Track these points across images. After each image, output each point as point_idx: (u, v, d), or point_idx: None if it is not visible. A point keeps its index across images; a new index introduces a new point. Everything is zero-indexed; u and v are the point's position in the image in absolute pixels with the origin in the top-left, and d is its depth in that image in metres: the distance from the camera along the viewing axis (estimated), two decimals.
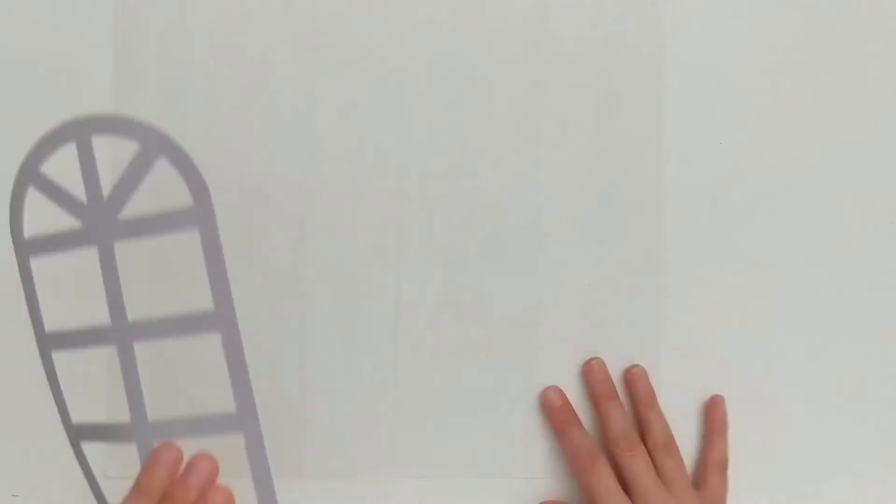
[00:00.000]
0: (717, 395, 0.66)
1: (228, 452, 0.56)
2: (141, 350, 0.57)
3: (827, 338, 0.67)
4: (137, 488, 0.55)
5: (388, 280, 0.65)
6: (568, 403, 0.64)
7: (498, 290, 0.67)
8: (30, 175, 0.54)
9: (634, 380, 0.65)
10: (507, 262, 0.67)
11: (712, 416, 0.65)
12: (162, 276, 0.64)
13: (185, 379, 0.65)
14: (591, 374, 0.64)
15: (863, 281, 0.67)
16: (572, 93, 0.68)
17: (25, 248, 0.56)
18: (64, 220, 0.56)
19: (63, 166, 0.56)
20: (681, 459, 0.64)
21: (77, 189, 0.55)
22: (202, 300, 0.55)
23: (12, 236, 0.56)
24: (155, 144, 0.52)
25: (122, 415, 0.57)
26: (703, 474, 0.65)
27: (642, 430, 0.64)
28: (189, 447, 0.57)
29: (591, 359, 0.65)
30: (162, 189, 0.53)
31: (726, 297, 0.67)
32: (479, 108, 0.67)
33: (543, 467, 0.67)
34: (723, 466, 0.65)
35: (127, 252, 0.55)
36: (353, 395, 0.65)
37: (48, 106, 0.64)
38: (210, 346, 0.56)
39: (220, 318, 0.53)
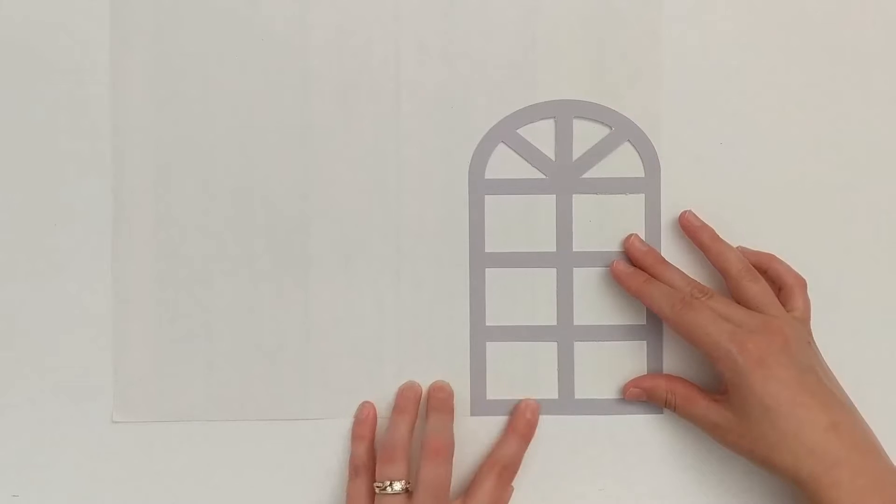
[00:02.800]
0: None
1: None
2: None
3: (826, 337, 0.64)
4: (397, 410, 0.65)
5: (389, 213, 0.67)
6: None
7: None
8: (504, 134, 0.67)
9: (690, 224, 0.66)
10: None
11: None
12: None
13: None
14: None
15: (863, 279, 0.66)
16: None
17: (483, 187, 0.67)
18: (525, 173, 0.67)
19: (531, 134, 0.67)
20: (765, 283, 0.63)
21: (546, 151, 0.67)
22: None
23: (469, 177, 0.67)
24: (624, 130, 0.66)
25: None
26: (787, 296, 0.64)
27: (718, 265, 0.64)
28: None
29: (630, 235, 0.66)
30: (615, 163, 0.67)
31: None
32: None
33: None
34: (803, 286, 0.64)
35: (581, 205, 0.67)
36: (356, 339, 0.67)
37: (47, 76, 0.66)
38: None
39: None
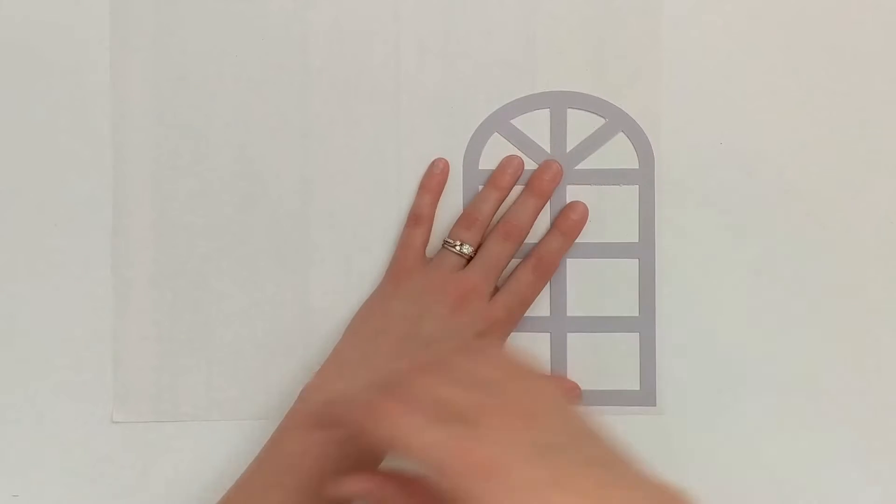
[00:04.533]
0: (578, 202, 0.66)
1: None
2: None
3: (826, 337, 0.65)
4: (492, 183, 0.65)
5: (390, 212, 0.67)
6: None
7: None
8: (498, 124, 0.67)
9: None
10: None
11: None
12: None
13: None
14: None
15: (863, 279, 0.66)
16: None
17: (477, 178, 0.67)
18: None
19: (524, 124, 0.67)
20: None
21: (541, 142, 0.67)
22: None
23: (464, 166, 0.67)
24: (618, 121, 0.67)
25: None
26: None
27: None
28: None
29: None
30: (609, 154, 0.67)
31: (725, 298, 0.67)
32: None
33: None
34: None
35: (576, 196, 0.67)
36: None
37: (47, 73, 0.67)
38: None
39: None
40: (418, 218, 0.64)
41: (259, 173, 0.66)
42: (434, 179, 0.65)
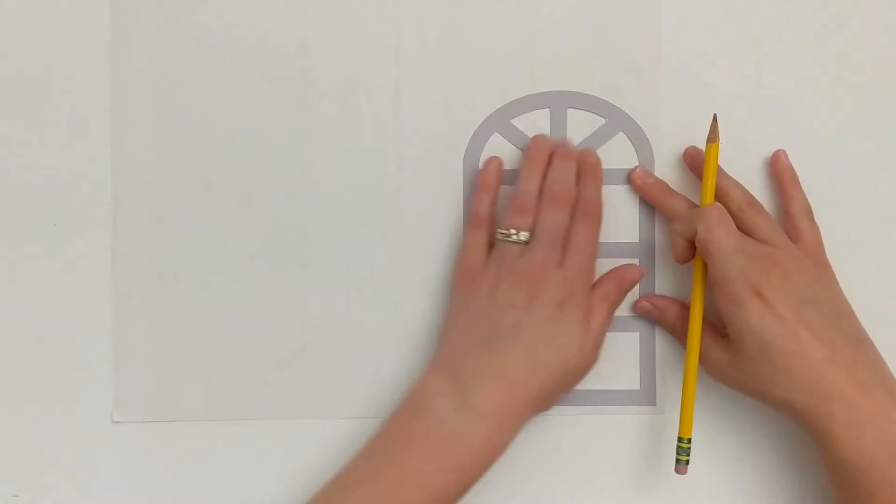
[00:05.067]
0: (779, 150, 0.65)
1: None
2: None
3: None
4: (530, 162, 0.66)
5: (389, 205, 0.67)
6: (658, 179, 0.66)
7: None
8: (498, 124, 0.67)
9: (692, 158, 0.66)
10: None
11: (779, 169, 0.65)
12: None
13: None
14: (640, 179, 0.66)
15: (863, 279, 0.65)
16: None
17: None
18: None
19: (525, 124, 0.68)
20: (769, 215, 0.63)
21: None
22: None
23: (464, 166, 0.67)
24: (618, 121, 0.67)
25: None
26: (793, 226, 0.64)
27: (721, 199, 0.63)
28: None
29: (637, 167, 0.66)
30: (609, 154, 0.67)
31: None
32: None
33: None
34: (809, 214, 0.64)
35: None
36: (355, 336, 0.67)
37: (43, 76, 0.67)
38: None
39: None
40: (479, 219, 0.64)
41: (259, 173, 0.66)
42: (490, 179, 0.65)
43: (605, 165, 0.66)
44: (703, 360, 0.61)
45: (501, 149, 0.66)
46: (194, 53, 0.66)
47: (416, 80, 0.66)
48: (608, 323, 0.63)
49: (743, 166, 0.65)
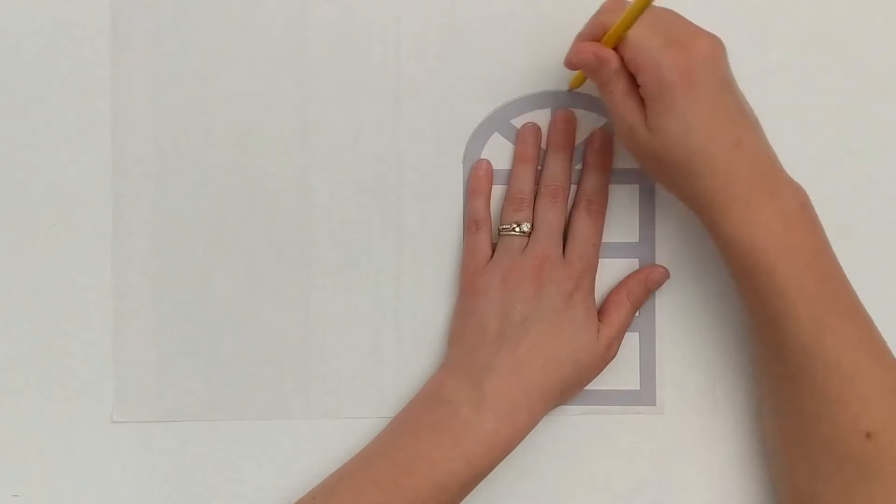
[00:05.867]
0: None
1: None
2: None
3: None
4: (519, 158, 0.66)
5: (389, 214, 0.67)
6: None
7: None
8: (498, 124, 0.67)
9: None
10: None
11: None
12: None
13: None
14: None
15: (864, 279, 0.62)
16: None
17: None
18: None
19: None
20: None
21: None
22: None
23: (464, 166, 0.67)
24: None
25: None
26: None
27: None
28: None
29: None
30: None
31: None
32: None
33: None
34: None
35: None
36: (355, 336, 0.67)
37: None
38: None
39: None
40: (477, 222, 0.65)
41: (259, 173, 0.66)
42: (481, 182, 0.66)
43: None
44: (621, 123, 0.59)
45: (501, 149, 0.66)
46: (194, 53, 0.66)
47: (416, 80, 0.66)
48: (629, 321, 0.65)
49: None
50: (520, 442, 0.60)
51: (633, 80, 0.58)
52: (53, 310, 0.66)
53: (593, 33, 0.59)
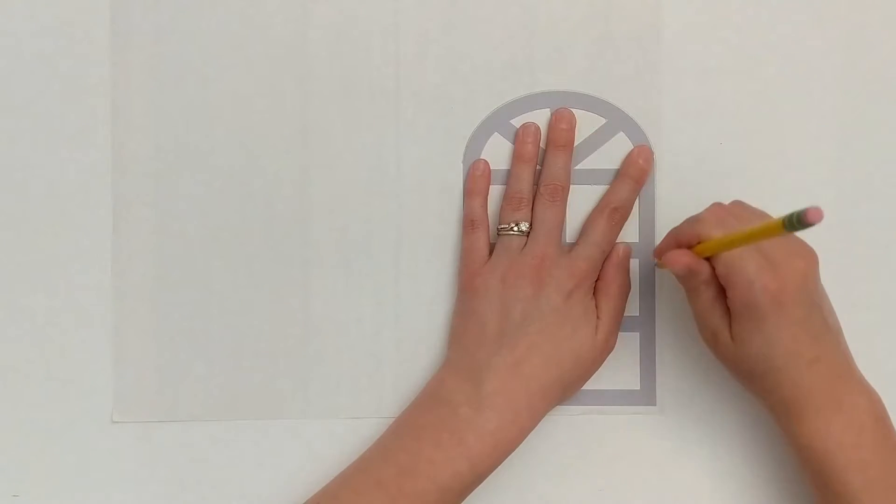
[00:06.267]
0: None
1: None
2: None
3: None
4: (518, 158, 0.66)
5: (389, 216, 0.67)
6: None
7: None
8: (498, 124, 0.67)
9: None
10: None
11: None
12: None
13: None
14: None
15: (863, 280, 0.66)
16: None
17: None
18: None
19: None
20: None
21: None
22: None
23: (464, 166, 0.67)
24: (618, 121, 0.67)
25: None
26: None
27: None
28: None
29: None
30: (609, 154, 0.67)
31: None
32: None
33: None
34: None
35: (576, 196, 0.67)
36: (355, 336, 0.67)
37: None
38: None
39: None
40: (473, 222, 0.65)
41: (259, 173, 0.66)
42: (478, 182, 0.66)
43: (604, 165, 0.66)
44: (704, 327, 0.60)
45: (501, 149, 0.66)
46: (194, 53, 0.66)
47: (416, 80, 0.66)
48: (622, 307, 0.65)
49: (743, 165, 0.66)
50: (522, 441, 0.60)
51: (721, 289, 0.57)
52: (53, 310, 0.66)
53: (689, 241, 0.58)
